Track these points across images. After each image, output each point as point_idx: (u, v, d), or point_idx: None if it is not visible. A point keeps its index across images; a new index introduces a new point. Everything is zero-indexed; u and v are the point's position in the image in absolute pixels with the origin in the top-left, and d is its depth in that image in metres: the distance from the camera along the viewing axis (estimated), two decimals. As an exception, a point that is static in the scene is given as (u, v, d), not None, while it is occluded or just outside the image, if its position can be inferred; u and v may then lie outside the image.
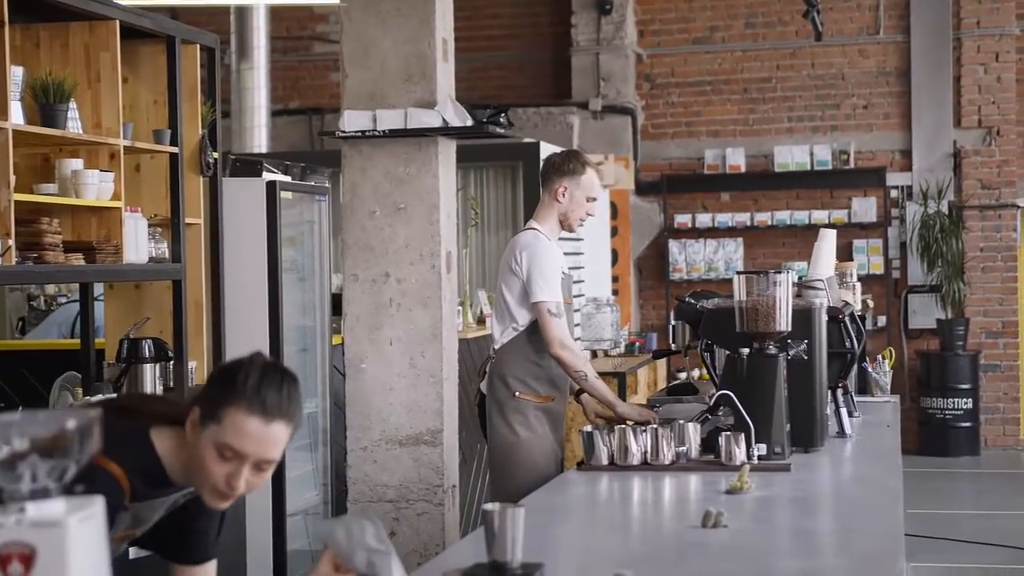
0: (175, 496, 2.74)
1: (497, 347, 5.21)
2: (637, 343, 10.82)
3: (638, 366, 9.67)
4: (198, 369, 5.78)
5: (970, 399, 12.20)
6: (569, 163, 5.24)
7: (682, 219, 12.87)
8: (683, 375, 12.02)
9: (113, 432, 2.54)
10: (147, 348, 5.35)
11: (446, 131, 5.76)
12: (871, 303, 10.06)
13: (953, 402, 12.18)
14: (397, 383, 5.75)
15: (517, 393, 5.12)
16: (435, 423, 5.77)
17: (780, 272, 4.39)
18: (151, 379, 5.34)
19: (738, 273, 4.45)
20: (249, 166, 6.50)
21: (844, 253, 12.25)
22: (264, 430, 2.54)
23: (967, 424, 12.21)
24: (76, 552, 1.71)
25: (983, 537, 8.72)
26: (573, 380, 5.10)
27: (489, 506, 2.72)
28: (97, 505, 1.78)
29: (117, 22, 5.12)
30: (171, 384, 5.53)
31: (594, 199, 5.27)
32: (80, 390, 5.31)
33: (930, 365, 12.30)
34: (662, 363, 11.16)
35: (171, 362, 5.50)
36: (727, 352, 4.52)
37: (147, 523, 2.73)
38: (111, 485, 2.55)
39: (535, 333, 5.09)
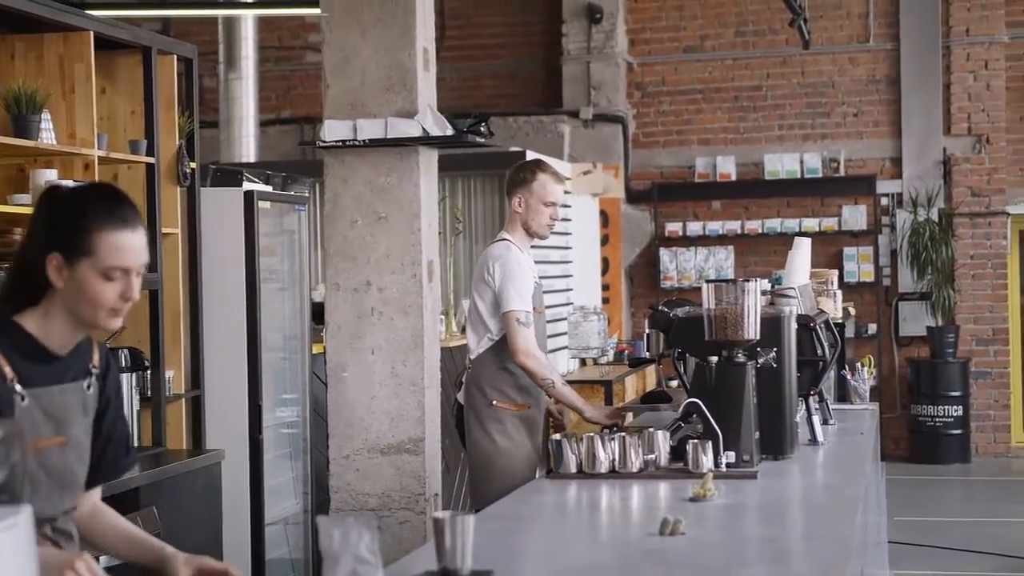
0: (76, 384, 2.74)
1: (473, 357, 5.32)
2: (626, 351, 10.82)
3: (625, 374, 9.68)
4: (175, 378, 5.79)
5: (960, 406, 12.20)
6: (520, 173, 5.39)
7: (673, 227, 12.89)
8: (674, 383, 12.02)
9: None
10: (124, 357, 5.36)
11: (427, 140, 5.77)
12: (852, 311, 10.08)
13: (943, 409, 12.18)
14: (379, 392, 5.75)
15: (494, 402, 5.20)
16: (417, 432, 5.77)
17: (749, 281, 4.41)
18: (128, 388, 5.36)
19: (707, 281, 4.47)
20: (230, 176, 6.51)
21: (834, 261, 12.27)
22: (135, 239, 2.69)
23: (957, 431, 12.21)
24: (-2, 560, 1.73)
25: (972, 544, 8.72)
26: (541, 388, 5.14)
27: (438, 514, 2.74)
28: (23, 514, 1.79)
29: (91, 33, 5.14)
30: (148, 393, 5.55)
31: (552, 203, 5.35)
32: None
33: (920, 372, 12.31)
34: (651, 371, 11.17)
35: (148, 371, 5.52)
36: (697, 360, 4.53)
37: (67, 423, 2.72)
38: None
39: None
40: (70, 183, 2.78)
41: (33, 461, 2.61)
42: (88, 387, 2.78)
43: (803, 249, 5.50)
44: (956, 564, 8.31)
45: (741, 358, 4.39)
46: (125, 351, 5.39)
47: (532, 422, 5.27)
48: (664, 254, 12.88)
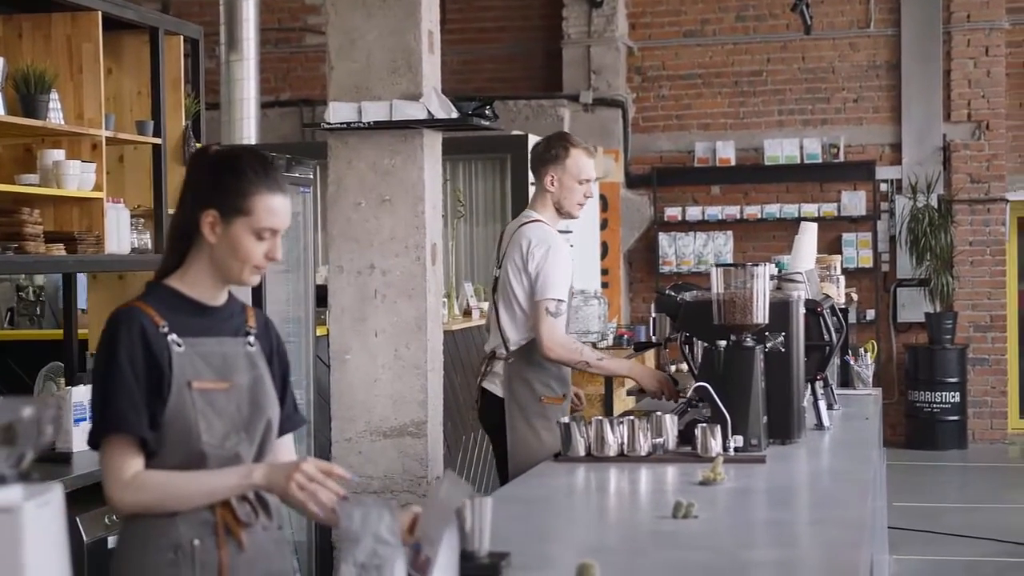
0: (237, 340, 2.90)
1: (512, 348, 5.08)
2: (626, 336, 10.84)
3: (625, 358, 9.68)
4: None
5: (958, 393, 12.23)
6: (551, 149, 5.13)
7: (672, 212, 12.89)
8: (673, 367, 12.04)
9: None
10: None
11: (431, 123, 5.76)
12: (855, 296, 10.08)
13: (941, 396, 12.21)
14: (382, 375, 5.75)
15: (543, 398, 5.03)
16: (420, 415, 5.78)
17: (758, 265, 4.41)
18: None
19: (716, 266, 4.46)
20: (234, 157, 6.49)
21: (833, 246, 12.28)
22: (285, 203, 2.87)
23: (955, 418, 12.24)
24: (32, 538, 1.73)
25: (969, 530, 8.75)
26: (580, 370, 5.02)
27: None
28: (55, 492, 1.80)
29: (99, 13, 5.13)
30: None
31: (586, 180, 5.12)
32: (63, 380, 5.32)
33: (918, 358, 12.33)
34: (651, 355, 11.19)
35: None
36: (705, 344, 4.53)
37: (231, 371, 2.87)
38: (134, 311, 2.81)
39: None
40: (218, 146, 2.97)
41: (200, 399, 2.80)
42: (249, 344, 2.93)
43: (809, 234, 5.50)
44: (954, 550, 8.34)
45: (750, 342, 4.39)
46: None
47: (565, 412, 5.17)
48: (663, 239, 12.88)
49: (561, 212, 5.16)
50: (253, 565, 2.85)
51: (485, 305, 8.31)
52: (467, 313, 8.01)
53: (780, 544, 3.18)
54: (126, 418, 2.74)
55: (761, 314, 4.38)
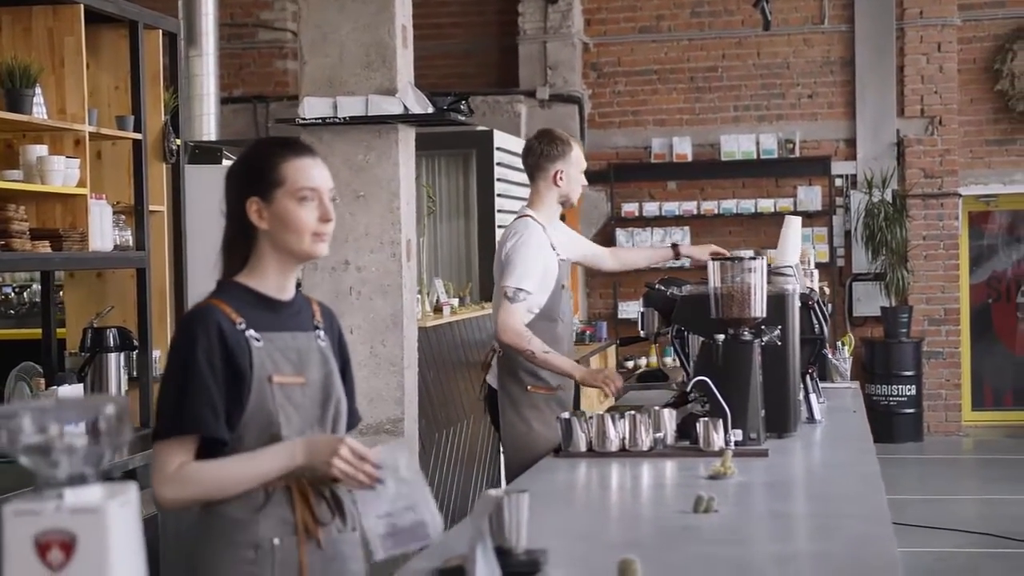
0: (308, 335, 2.87)
1: (503, 340, 5.06)
2: (587, 332, 10.86)
3: (589, 355, 9.70)
4: (162, 358, 5.70)
5: (913, 386, 12.34)
6: (556, 146, 5.21)
7: (629, 208, 12.91)
8: (630, 363, 12.06)
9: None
10: (112, 337, 5.28)
11: (407, 118, 5.73)
12: (827, 289, 10.14)
13: (897, 389, 12.31)
14: (358, 372, 5.60)
15: (529, 387, 5.07)
16: (396, 412, 5.76)
17: (755, 258, 4.41)
18: (115, 368, 5.28)
19: (713, 259, 4.46)
20: (208, 153, 6.44)
21: (790, 241, 12.33)
22: (315, 163, 2.87)
23: (910, 410, 12.36)
24: (116, 537, 1.70)
25: (928, 522, 8.82)
26: (526, 360, 5.06)
27: (494, 492, 2.71)
28: (132, 491, 1.76)
29: (81, 6, 5.04)
30: (135, 374, 5.47)
31: (584, 169, 5.32)
32: (43, 380, 5.23)
33: (874, 352, 12.43)
34: (611, 351, 11.21)
35: (135, 351, 5.43)
36: (702, 339, 4.52)
37: (305, 366, 2.84)
38: (210, 309, 2.79)
39: (540, 323, 5.02)
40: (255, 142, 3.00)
41: (279, 393, 2.78)
42: (320, 339, 2.90)
43: (794, 228, 5.50)
44: (914, 541, 8.39)
45: (747, 336, 4.39)
46: (113, 331, 5.30)
47: (564, 403, 5.15)
48: (620, 234, 12.89)
49: (565, 205, 5.29)
50: (330, 565, 2.83)
51: (456, 301, 8.29)
52: (438, 309, 7.97)
53: (807, 538, 3.18)
54: (204, 420, 2.71)
55: (759, 308, 4.38)
